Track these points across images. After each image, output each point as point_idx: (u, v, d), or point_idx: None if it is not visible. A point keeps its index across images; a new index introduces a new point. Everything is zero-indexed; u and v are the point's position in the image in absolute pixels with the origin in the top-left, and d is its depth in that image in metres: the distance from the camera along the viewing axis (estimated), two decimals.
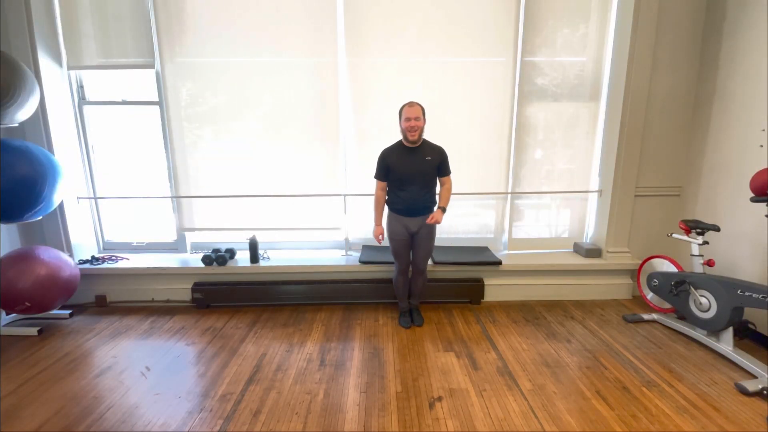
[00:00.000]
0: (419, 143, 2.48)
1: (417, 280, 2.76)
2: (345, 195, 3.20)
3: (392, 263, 3.03)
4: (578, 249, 3.26)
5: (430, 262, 3.05)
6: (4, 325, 2.69)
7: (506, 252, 3.32)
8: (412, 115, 2.39)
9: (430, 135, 3.14)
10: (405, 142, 2.47)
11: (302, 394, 2.01)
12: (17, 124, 2.55)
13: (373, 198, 2.65)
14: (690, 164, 2.98)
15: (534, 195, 3.28)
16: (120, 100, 3.13)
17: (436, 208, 2.55)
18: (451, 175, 2.60)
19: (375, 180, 2.56)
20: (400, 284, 2.74)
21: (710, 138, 2.80)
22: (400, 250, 2.61)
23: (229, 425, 1.81)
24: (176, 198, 3.21)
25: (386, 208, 2.63)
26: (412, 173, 2.47)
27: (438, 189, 2.62)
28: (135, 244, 3.36)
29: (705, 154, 2.85)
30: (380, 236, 2.59)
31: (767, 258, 2.37)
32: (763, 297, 2.08)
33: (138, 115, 3.17)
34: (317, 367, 2.25)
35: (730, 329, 2.27)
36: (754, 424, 1.79)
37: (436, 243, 3.29)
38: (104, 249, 3.36)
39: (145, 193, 3.27)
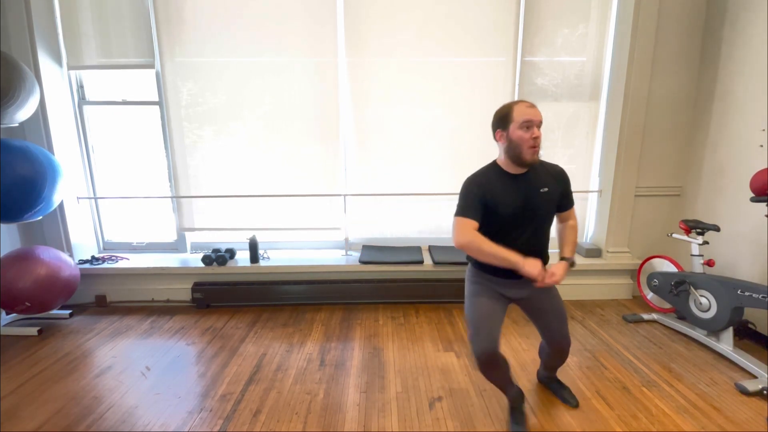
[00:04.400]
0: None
1: (560, 355, 1.82)
2: (345, 195, 3.20)
3: (392, 263, 3.04)
4: (578, 249, 3.26)
5: (429, 261, 3.04)
6: (4, 325, 2.69)
7: None
8: (537, 119, 1.49)
9: (431, 136, 3.18)
10: (512, 166, 1.57)
11: (302, 394, 2.01)
12: (17, 124, 2.55)
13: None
14: (690, 164, 2.98)
15: None
16: (120, 100, 3.13)
17: (558, 260, 1.61)
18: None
19: (461, 219, 1.54)
20: (493, 374, 1.66)
21: (710, 138, 2.80)
22: (486, 313, 1.61)
23: (229, 425, 1.81)
24: (176, 198, 3.21)
25: (472, 264, 1.75)
26: (521, 214, 1.56)
27: (554, 230, 1.74)
28: (135, 244, 3.36)
29: (705, 154, 2.85)
30: (539, 271, 1.48)
31: (767, 258, 2.37)
32: (763, 297, 2.08)
33: (138, 115, 3.17)
34: (317, 367, 2.25)
35: (730, 329, 2.27)
36: (754, 424, 1.79)
37: (437, 243, 3.33)
38: (104, 249, 3.36)
39: (145, 193, 3.27)
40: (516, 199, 1.56)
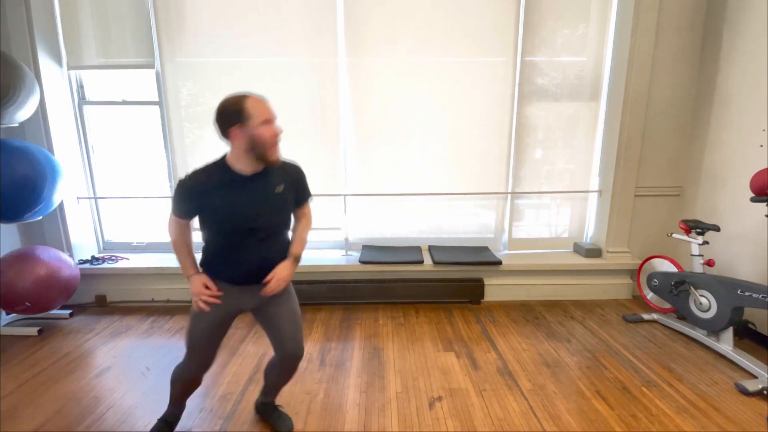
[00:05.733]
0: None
1: (290, 368, 1.65)
2: (345, 195, 3.20)
3: (392, 263, 3.03)
4: (578, 249, 3.26)
5: (429, 261, 3.04)
6: (4, 325, 2.69)
7: (506, 252, 3.31)
8: (273, 117, 1.41)
9: (431, 137, 3.18)
10: (250, 165, 1.41)
11: (302, 394, 2.01)
12: (17, 124, 2.55)
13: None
14: (690, 164, 2.98)
15: (534, 195, 3.28)
16: (120, 100, 3.13)
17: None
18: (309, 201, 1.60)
19: (171, 216, 1.52)
20: (187, 384, 1.64)
21: (710, 138, 2.80)
22: (203, 336, 1.51)
23: (229, 425, 1.81)
24: None
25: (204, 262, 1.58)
26: (253, 217, 1.43)
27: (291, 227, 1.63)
28: (135, 244, 3.36)
29: (705, 153, 2.85)
30: (203, 292, 1.44)
31: (767, 258, 2.37)
32: (763, 297, 2.08)
33: (138, 115, 3.17)
34: (317, 367, 2.25)
35: (730, 329, 2.27)
36: (754, 424, 1.79)
37: (437, 243, 3.33)
38: (104, 249, 3.36)
39: (145, 193, 3.27)
40: (246, 201, 1.42)
